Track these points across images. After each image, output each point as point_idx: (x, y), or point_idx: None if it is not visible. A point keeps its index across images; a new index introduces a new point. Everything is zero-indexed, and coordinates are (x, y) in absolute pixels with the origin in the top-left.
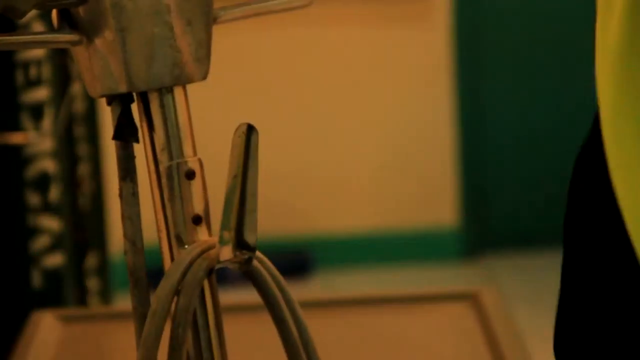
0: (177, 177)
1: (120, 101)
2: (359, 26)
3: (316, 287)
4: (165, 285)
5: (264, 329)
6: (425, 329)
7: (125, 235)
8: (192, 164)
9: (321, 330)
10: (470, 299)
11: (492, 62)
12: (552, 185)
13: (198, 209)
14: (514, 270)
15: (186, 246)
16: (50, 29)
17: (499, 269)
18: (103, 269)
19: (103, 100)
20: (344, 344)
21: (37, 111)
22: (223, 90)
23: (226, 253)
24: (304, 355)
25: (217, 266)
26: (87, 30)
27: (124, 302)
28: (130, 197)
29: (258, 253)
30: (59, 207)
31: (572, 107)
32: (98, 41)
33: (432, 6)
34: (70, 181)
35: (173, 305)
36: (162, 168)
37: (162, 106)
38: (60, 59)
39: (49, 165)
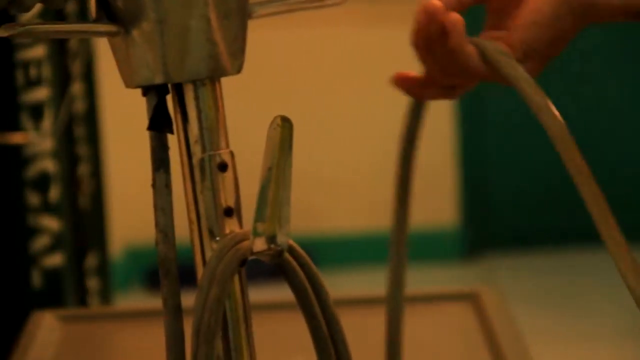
0: (209, 169)
1: (156, 92)
2: (359, 26)
3: None
4: (206, 274)
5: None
6: (425, 329)
7: (157, 226)
8: (225, 156)
9: None
10: (470, 299)
11: None
12: (552, 185)
13: (230, 201)
14: (514, 270)
15: (217, 238)
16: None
17: (499, 269)
18: (103, 269)
19: (103, 100)
20: None
21: (37, 111)
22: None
23: (259, 245)
24: (332, 352)
25: (250, 258)
26: (125, 21)
27: (124, 302)
28: (163, 188)
29: (293, 244)
30: (59, 207)
31: (573, 107)
32: (136, 32)
33: None
34: (70, 181)
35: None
36: (195, 160)
37: (197, 98)
38: (60, 59)
39: (49, 165)
